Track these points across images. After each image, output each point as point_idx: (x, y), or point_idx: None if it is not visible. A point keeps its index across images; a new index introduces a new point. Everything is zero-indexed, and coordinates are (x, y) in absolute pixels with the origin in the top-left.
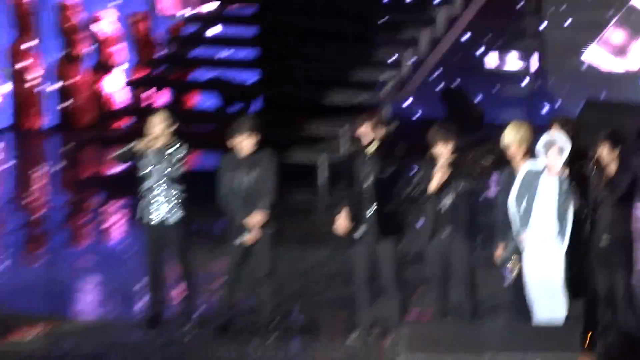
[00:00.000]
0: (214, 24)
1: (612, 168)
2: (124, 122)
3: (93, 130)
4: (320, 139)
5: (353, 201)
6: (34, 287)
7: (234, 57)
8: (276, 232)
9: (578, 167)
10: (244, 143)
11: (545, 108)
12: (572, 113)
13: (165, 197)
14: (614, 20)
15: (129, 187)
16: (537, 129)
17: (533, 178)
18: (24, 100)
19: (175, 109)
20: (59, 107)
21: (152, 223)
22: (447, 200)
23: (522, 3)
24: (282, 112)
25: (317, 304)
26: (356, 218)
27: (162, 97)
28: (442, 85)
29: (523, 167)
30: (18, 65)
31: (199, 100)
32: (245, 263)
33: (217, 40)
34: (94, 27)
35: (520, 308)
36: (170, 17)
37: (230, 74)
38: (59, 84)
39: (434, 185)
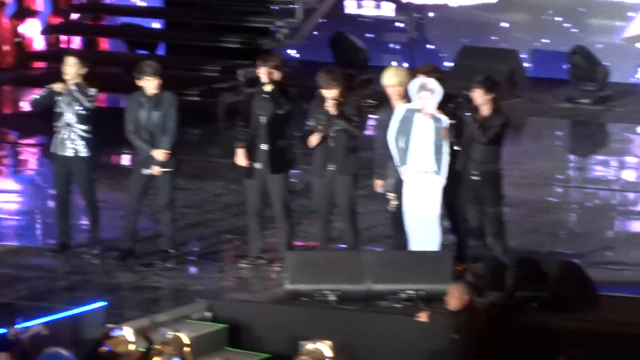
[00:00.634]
0: None
1: (484, 110)
2: (41, 65)
3: (11, 71)
4: (217, 80)
5: (249, 137)
6: None
7: (141, 6)
8: (176, 165)
9: (452, 108)
10: (149, 84)
11: (424, 54)
12: (449, 59)
13: (76, 133)
14: None
15: (43, 124)
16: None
17: (409, 117)
18: None
19: (87, 53)
20: None
21: (63, 155)
22: (332, 137)
23: None
24: (183, 55)
25: (213, 232)
26: (251, 153)
27: (76, 42)
28: (330, 32)
29: (400, 107)
30: None
31: (110, 45)
32: (146, 193)
33: None
34: None
35: (398, 241)
36: None
37: (137, 21)
38: None
39: (323, 122)
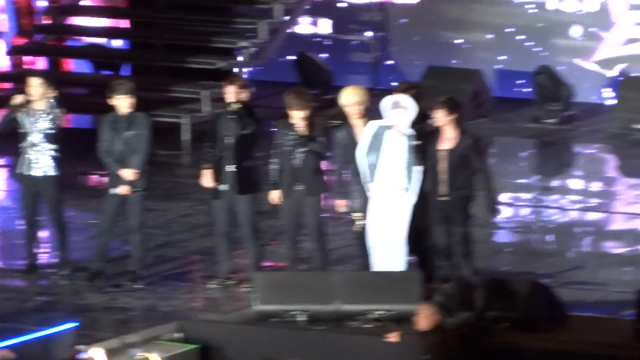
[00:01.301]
0: None
1: (447, 130)
2: (4, 87)
3: None
4: (182, 101)
5: (215, 158)
6: None
7: (106, 26)
8: (147, 187)
9: (419, 128)
10: (122, 103)
11: (389, 74)
12: (414, 78)
13: (42, 154)
14: None
15: (8, 145)
16: (381, 92)
17: (380, 133)
18: None
19: (52, 74)
20: None
21: (30, 176)
22: (300, 158)
23: None
24: (148, 76)
25: (181, 252)
26: (218, 173)
27: (41, 62)
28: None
29: (371, 124)
30: None
31: (74, 66)
32: (118, 214)
33: (91, 10)
34: None
35: (365, 261)
36: None
37: (101, 42)
38: None
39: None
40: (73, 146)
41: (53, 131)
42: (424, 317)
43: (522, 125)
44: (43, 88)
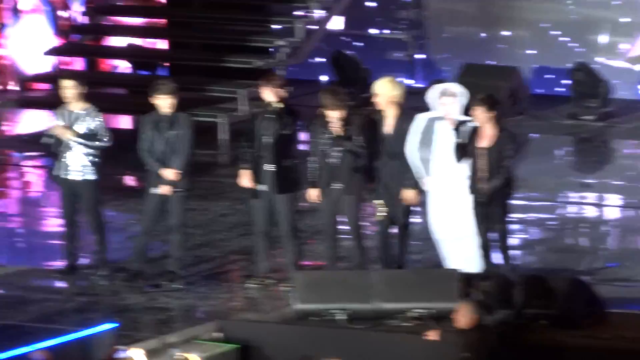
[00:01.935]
0: None
1: (487, 127)
2: (42, 87)
3: (12, 93)
4: (219, 100)
5: (254, 157)
6: None
7: (144, 25)
8: (189, 187)
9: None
10: (163, 103)
11: (427, 72)
12: (450, 76)
13: (80, 156)
14: None
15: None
16: (419, 90)
17: (430, 126)
18: None
19: (90, 74)
20: None
21: (68, 179)
22: (337, 157)
23: None
24: (185, 75)
25: (220, 252)
26: (256, 173)
27: (78, 63)
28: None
29: (420, 118)
30: None
31: (112, 66)
32: (159, 214)
33: (129, 10)
34: None
35: (382, 253)
36: None
37: (140, 42)
38: None
39: (328, 142)
40: (111, 146)
41: (90, 133)
42: (464, 315)
43: (559, 123)
44: (76, 89)
